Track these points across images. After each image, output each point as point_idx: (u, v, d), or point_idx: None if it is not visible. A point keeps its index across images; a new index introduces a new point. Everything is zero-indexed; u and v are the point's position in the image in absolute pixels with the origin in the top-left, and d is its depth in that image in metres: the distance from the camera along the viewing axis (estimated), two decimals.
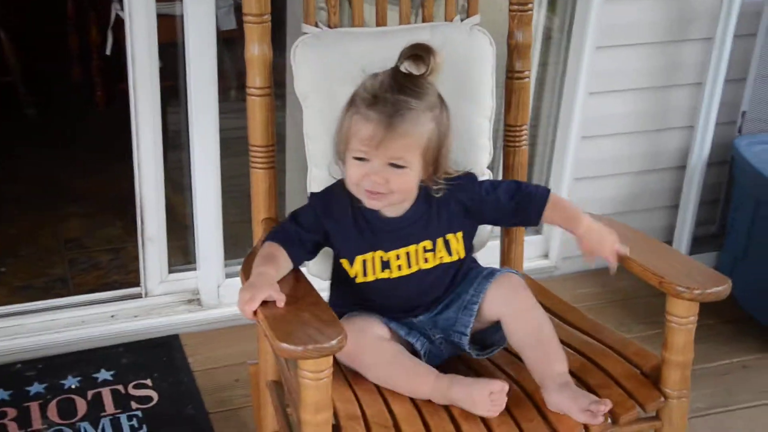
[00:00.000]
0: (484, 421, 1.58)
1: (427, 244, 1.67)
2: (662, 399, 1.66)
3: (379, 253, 1.67)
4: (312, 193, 1.76)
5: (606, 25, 2.60)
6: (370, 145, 1.56)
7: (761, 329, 2.65)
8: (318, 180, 1.84)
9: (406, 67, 1.62)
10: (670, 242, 2.89)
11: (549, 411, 1.59)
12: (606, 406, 1.53)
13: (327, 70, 1.80)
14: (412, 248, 1.67)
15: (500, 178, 2.08)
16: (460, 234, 1.70)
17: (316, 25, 1.85)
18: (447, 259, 1.69)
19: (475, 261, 1.80)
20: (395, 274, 1.67)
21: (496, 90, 1.94)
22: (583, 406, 1.53)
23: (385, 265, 1.67)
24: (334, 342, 1.41)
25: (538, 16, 2.71)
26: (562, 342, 1.77)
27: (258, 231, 1.86)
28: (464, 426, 1.56)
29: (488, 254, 1.96)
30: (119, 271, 2.80)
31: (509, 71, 1.98)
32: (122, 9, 2.41)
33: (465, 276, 1.72)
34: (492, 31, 1.98)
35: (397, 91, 1.57)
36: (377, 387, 1.66)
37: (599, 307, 2.66)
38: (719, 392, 2.41)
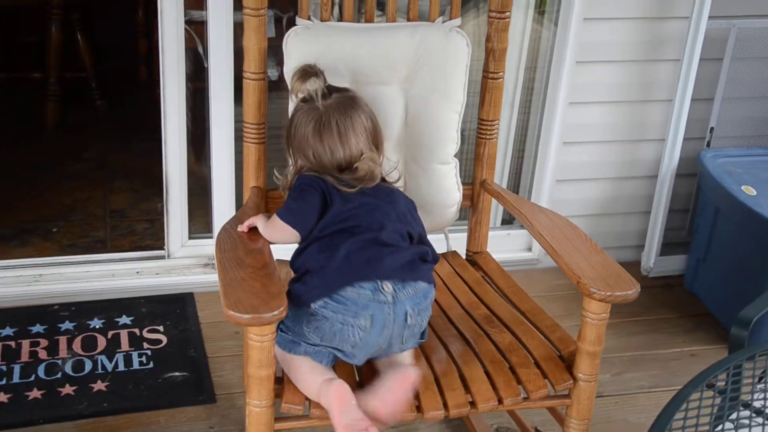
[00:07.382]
0: None
1: None
2: (571, 381, 1.66)
3: None
4: None
5: (585, 42, 2.57)
6: None
7: (716, 324, 2.64)
8: None
9: None
10: (642, 246, 2.88)
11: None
12: None
13: (311, 58, 1.79)
14: None
15: (469, 167, 2.12)
16: None
17: (309, 19, 1.86)
18: None
19: None
20: None
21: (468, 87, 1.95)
22: None
23: None
24: (274, 313, 1.39)
25: (524, 32, 2.72)
26: (500, 320, 1.81)
27: (247, 195, 1.88)
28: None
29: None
30: (152, 238, 2.83)
31: (485, 71, 1.98)
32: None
33: None
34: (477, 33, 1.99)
35: None
36: None
37: (570, 296, 2.64)
38: (664, 375, 2.42)
